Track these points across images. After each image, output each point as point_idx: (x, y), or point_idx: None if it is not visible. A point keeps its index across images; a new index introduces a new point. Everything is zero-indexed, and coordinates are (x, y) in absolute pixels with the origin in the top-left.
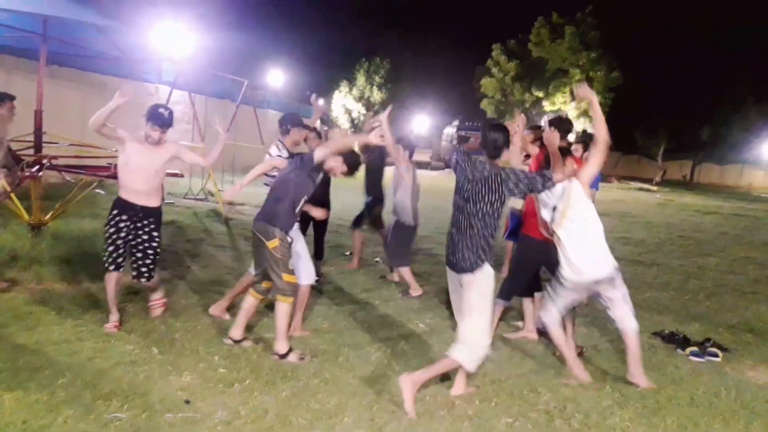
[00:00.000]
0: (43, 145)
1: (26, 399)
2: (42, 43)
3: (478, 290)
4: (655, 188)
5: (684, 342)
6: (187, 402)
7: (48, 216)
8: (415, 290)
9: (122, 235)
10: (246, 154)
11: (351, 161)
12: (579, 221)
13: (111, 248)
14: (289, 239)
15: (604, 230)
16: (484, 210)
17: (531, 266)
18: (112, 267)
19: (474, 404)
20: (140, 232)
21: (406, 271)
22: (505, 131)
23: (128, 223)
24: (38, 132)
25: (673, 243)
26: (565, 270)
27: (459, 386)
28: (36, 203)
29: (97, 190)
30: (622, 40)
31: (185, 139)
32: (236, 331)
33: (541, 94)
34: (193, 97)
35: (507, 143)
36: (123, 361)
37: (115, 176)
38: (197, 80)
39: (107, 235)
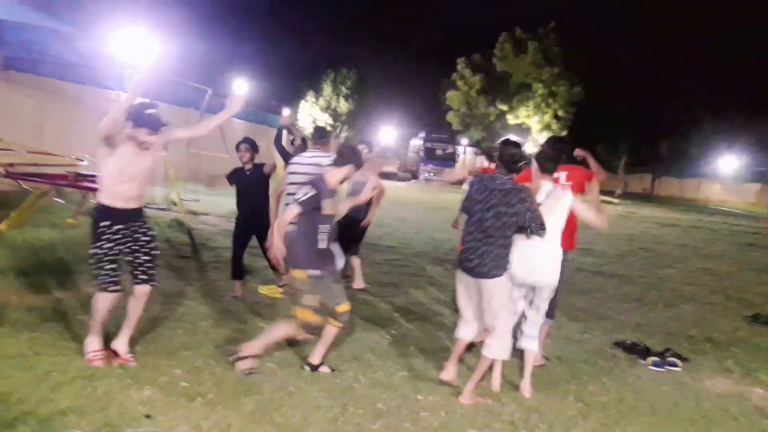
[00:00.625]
0: None
1: None
2: None
3: (498, 294)
4: (616, 201)
5: (645, 352)
6: (148, 416)
7: (2, 225)
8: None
9: (120, 246)
10: (210, 163)
11: None
12: (552, 227)
13: (109, 266)
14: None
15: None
16: (503, 221)
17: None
18: (114, 287)
19: (440, 416)
20: (138, 235)
21: None
22: (519, 147)
23: (125, 231)
24: None
25: (634, 254)
26: (519, 269)
27: (496, 380)
28: None
29: (56, 199)
30: (584, 56)
31: None
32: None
33: (505, 108)
34: (155, 104)
35: (522, 158)
36: (81, 375)
37: (72, 185)
38: (159, 88)
39: (102, 252)
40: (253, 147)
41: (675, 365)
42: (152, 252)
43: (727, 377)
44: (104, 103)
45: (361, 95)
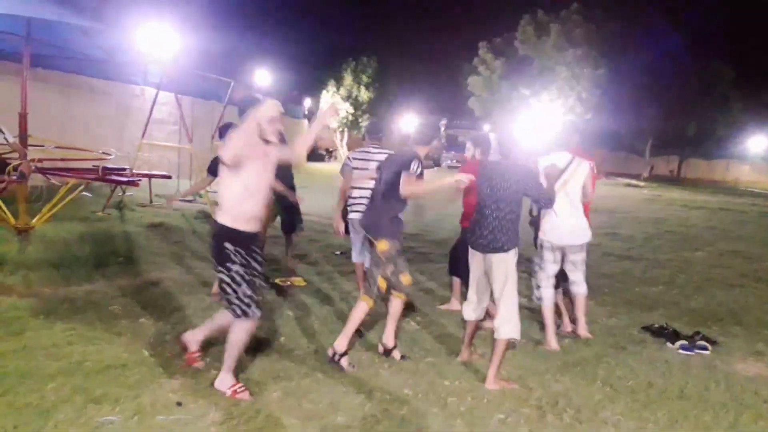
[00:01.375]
0: (29, 148)
1: (16, 403)
2: (25, 46)
3: (506, 268)
4: (642, 184)
5: (673, 336)
6: (179, 404)
7: (35, 220)
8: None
9: (256, 268)
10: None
11: None
12: (575, 194)
13: (250, 290)
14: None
15: (593, 227)
16: (509, 197)
17: None
18: (258, 312)
19: (466, 401)
20: (255, 263)
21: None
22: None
23: (246, 253)
24: (23, 135)
25: (661, 238)
26: (548, 233)
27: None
28: (22, 207)
29: (84, 193)
30: (608, 37)
31: (172, 141)
32: (388, 340)
33: (528, 92)
34: (179, 98)
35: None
36: (113, 365)
37: (101, 179)
38: (183, 81)
39: (240, 276)
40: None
41: (704, 348)
42: (258, 282)
43: (758, 360)
44: (129, 97)
45: (382, 83)
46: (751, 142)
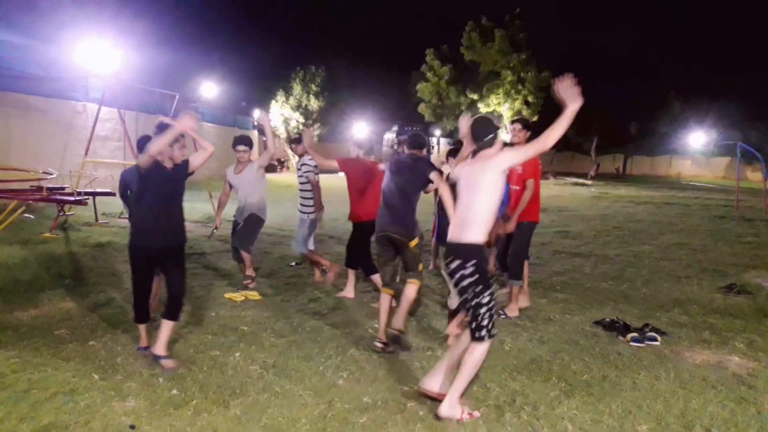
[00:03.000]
0: None
1: None
2: None
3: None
4: (590, 182)
5: (624, 329)
6: (132, 427)
7: None
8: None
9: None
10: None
11: None
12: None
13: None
14: None
15: (545, 225)
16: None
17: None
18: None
19: (425, 405)
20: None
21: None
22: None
23: None
24: None
25: (609, 234)
26: None
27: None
28: None
29: (26, 215)
30: (550, 40)
31: (117, 157)
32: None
33: (475, 96)
34: (122, 113)
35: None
36: (62, 391)
37: (45, 199)
38: (126, 96)
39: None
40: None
41: (654, 340)
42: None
43: (704, 348)
44: (70, 114)
45: (332, 92)
46: (691, 137)
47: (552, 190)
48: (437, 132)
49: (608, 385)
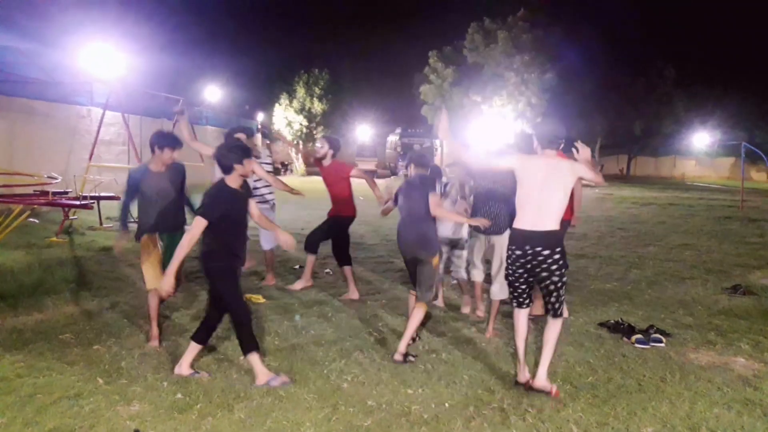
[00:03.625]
0: None
1: None
2: None
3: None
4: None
5: (629, 330)
6: (137, 431)
7: None
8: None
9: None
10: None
11: None
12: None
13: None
14: None
15: None
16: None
17: None
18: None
19: (430, 408)
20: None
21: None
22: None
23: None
24: None
25: (614, 235)
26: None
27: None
28: None
29: (31, 219)
30: (554, 41)
31: (122, 161)
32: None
33: (479, 99)
34: (126, 117)
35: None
36: (66, 395)
37: (51, 203)
38: (130, 101)
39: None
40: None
41: (659, 341)
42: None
43: (710, 349)
44: (75, 119)
45: (335, 95)
46: (695, 138)
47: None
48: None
49: (613, 387)
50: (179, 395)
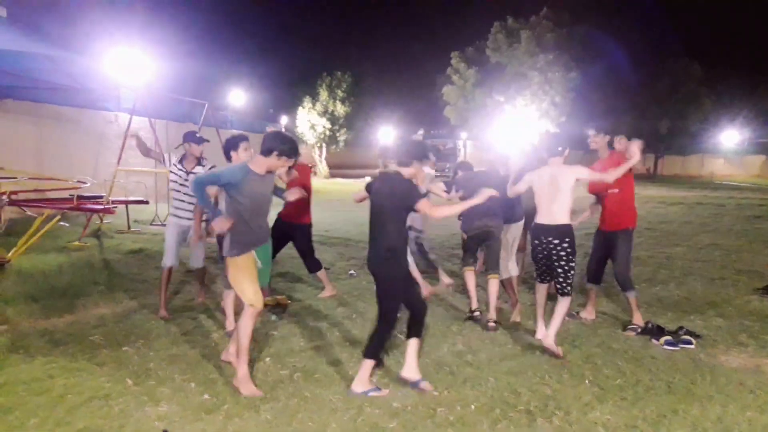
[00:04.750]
0: (1, 180)
1: None
2: None
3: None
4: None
5: (658, 332)
6: (165, 431)
7: (11, 253)
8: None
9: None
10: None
11: None
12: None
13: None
14: None
15: (574, 226)
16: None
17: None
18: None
19: (455, 410)
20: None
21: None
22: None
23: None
24: None
25: (641, 235)
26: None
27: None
28: None
29: (62, 223)
30: (578, 40)
31: (148, 165)
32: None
33: (502, 99)
34: (153, 122)
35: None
36: (96, 396)
37: (76, 208)
38: (157, 105)
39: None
40: None
41: (689, 343)
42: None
43: (741, 351)
44: (102, 124)
45: (358, 97)
46: (724, 136)
47: (582, 191)
48: (464, 135)
49: (642, 389)
50: (206, 396)
